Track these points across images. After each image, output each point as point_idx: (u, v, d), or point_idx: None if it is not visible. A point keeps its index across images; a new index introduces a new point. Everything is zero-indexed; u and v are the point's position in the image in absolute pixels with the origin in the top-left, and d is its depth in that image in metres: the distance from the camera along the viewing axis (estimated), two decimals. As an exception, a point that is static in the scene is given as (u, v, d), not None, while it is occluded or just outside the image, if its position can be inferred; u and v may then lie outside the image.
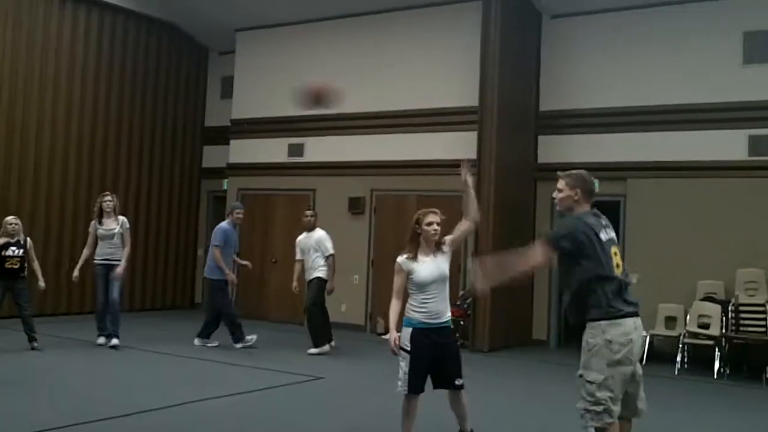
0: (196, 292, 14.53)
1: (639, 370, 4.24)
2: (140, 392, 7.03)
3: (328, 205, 12.42)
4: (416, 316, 5.09)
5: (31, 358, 8.47)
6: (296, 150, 12.88)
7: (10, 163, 11.62)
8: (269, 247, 12.79)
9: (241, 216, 9.93)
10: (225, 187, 13.68)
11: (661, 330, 9.96)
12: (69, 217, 12.25)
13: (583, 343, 4.18)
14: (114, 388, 7.16)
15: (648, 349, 9.70)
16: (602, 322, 4.10)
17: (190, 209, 14.56)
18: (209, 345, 9.70)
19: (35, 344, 8.85)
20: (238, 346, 9.57)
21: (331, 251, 9.54)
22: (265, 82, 13.18)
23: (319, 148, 12.65)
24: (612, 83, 10.91)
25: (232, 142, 13.62)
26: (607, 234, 4.23)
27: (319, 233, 9.63)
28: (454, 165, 11.05)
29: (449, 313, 5.20)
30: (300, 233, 9.79)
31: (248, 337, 9.67)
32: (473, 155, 10.64)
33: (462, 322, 10.41)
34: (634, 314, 4.18)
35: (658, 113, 10.54)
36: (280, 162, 13.01)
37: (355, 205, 12.22)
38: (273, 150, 13.07)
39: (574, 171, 4.44)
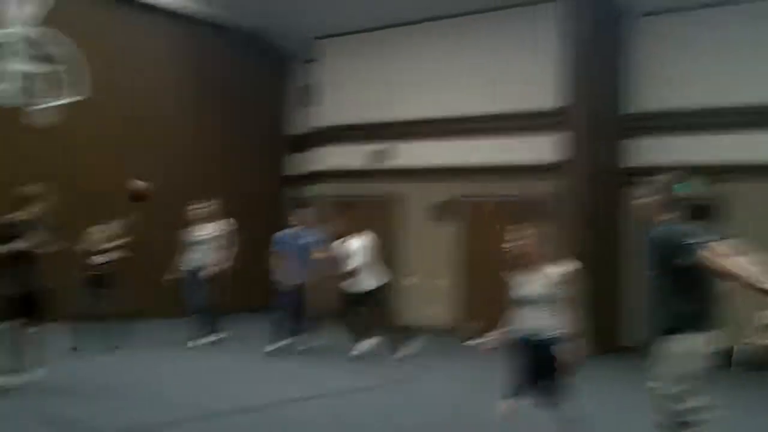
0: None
1: (705, 382, 4.14)
2: (230, 392, 7.20)
3: (413, 210, 12.44)
4: (521, 327, 5.15)
5: (125, 361, 8.77)
6: (380, 156, 12.95)
7: (109, 172, 12.10)
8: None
9: (293, 218, 10.09)
10: (308, 194, 13.85)
11: (758, 338, 9.53)
12: (162, 224, 12.59)
13: (657, 354, 4.11)
14: (207, 389, 7.37)
15: (743, 358, 9.34)
16: (678, 335, 4.01)
17: (272, 217, 14.75)
18: (302, 347, 9.75)
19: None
20: (269, 348, 9.51)
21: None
22: (347, 89, 13.31)
23: (403, 154, 12.68)
24: (707, 81, 10.48)
25: (315, 149, 13.79)
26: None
27: (356, 242, 9.69)
28: (539, 169, 11.07)
29: (554, 330, 5.06)
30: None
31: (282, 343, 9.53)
32: (558, 158, 10.48)
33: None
34: (710, 327, 4.09)
35: (753, 113, 10.11)
36: (364, 168, 13.11)
37: (440, 210, 12.19)
38: (356, 156, 13.17)
39: (658, 177, 4.33)
